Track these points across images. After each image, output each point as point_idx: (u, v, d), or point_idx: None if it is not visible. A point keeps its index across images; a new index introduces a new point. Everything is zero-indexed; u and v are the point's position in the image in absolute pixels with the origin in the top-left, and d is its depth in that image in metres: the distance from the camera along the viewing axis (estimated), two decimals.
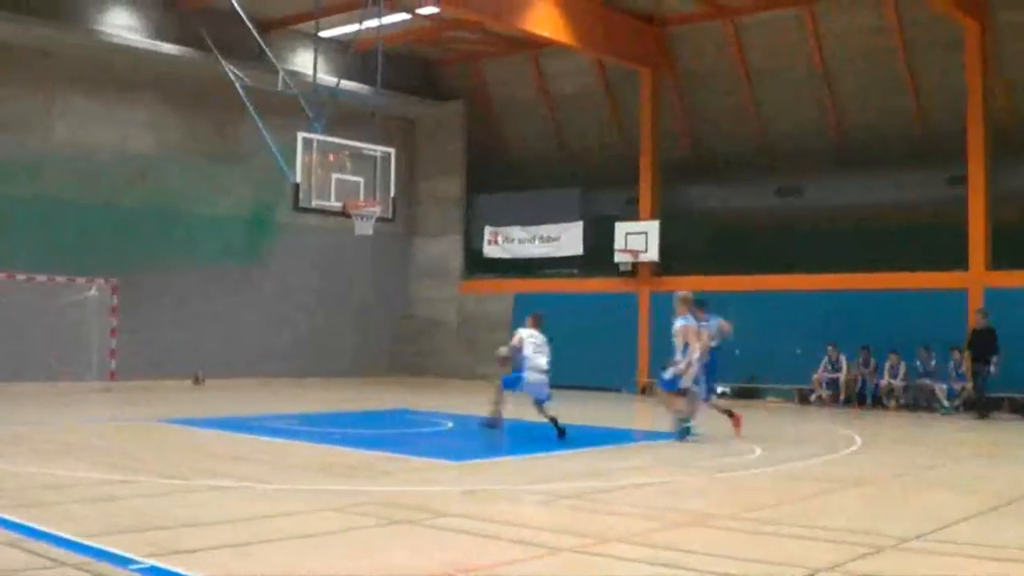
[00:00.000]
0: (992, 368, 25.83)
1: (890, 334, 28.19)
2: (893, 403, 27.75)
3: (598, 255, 33.97)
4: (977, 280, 27.80)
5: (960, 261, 28.17)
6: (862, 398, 28.40)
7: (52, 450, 16.02)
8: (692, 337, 18.14)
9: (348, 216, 24.56)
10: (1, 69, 29.32)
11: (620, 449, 18.01)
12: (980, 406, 25.78)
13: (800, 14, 31.08)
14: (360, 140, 25.39)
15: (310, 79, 26.09)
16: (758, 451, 17.37)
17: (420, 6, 30.74)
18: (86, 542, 9.16)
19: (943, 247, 28.78)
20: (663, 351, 32.06)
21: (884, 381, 28.01)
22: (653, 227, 32.83)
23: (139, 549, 8.93)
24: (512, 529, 10.42)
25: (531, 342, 18.52)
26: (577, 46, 31.50)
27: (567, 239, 35.36)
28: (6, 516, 10.22)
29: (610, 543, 9.85)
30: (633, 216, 33.80)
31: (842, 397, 28.49)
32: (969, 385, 26.52)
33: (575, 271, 35.60)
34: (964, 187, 28.31)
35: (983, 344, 25.98)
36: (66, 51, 30.09)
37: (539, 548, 9.47)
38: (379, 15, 26.35)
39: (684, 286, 31.66)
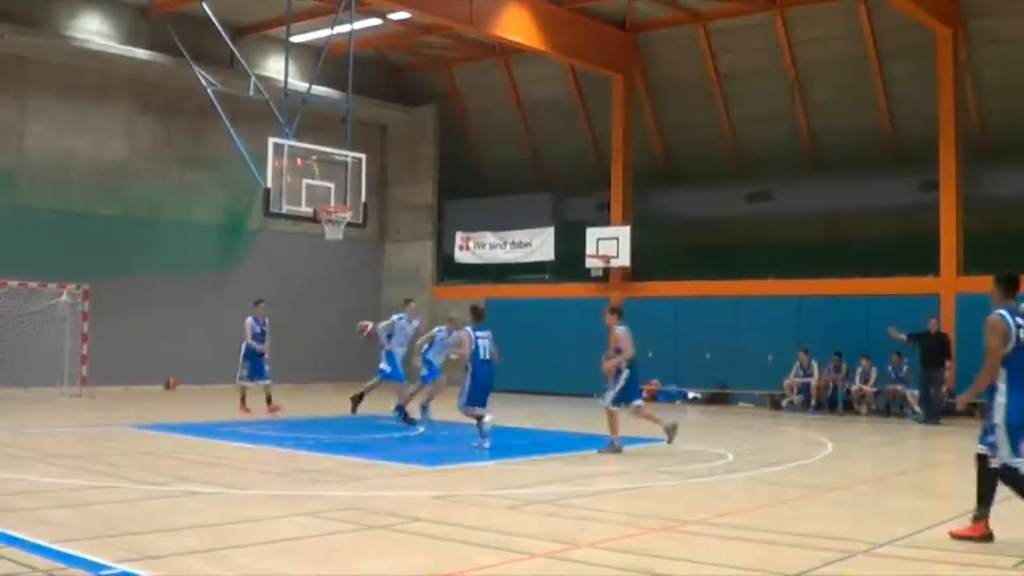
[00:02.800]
0: (946, 373, 26.08)
1: (861, 340, 28.27)
2: (865, 409, 27.80)
3: (570, 261, 33.99)
4: (949, 285, 27.89)
5: (932, 266, 28.27)
6: (833, 403, 28.46)
7: (25, 456, 15.95)
8: None
9: (319, 222, 24.53)
10: None
11: (593, 455, 18.02)
12: (932, 411, 25.81)
13: (772, 20, 31.15)
14: (331, 145, 25.34)
15: (281, 85, 26.03)
16: (730, 457, 17.42)
17: (392, 11, 30.75)
18: (59, 547, 9.15)
19: (915, 252, 28.89)
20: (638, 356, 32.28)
21: (856, 387, 28.08)
22: (624, 232, 32.85)
23: (111, 554, 8.92)
24: (485, 534, 10.43)
25: None
26: (549, 52, 31.52)
27: (539, 245, 35.38)
28: None
29: (583, 548, 9.87)
30: (605, 222, 33.82)
31: (813, 403, 28.52)
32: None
33: (547, 277, 35.61)
34: (936, 192, 28.38)
35: (937, 350, 26.09)
36: (39, 57, 29.90)
37: (512, 553, 9.47)
38: (351, 20, 26.33)
39: (655, 291, 31.93)
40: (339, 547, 9.87)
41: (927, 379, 25.99)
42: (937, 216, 28.31)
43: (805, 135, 32.57)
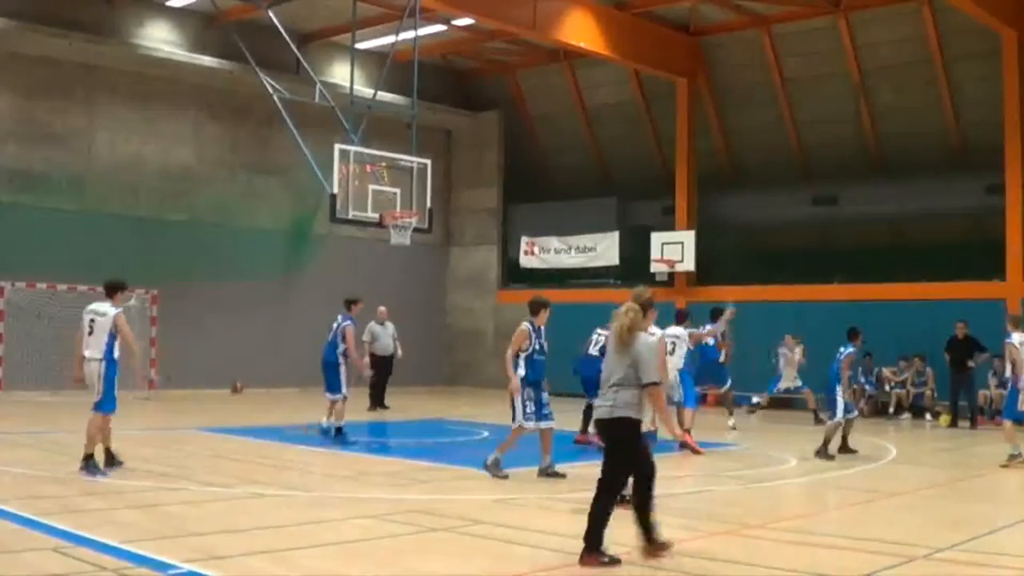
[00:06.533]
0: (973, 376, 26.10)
1: (926, 345, 28.08)
2: (929, 414, 27.63)
3: (634, 265, 33.91)
4: (1015, 290, 27.64)
5: (998, 271, 28.08)
6: (899, 409, 28.31)
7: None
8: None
9: (385, 227, 24.71)
10: (45, 83, 29.55)
11: (657, 459, 18.07)
12: (971, 415, 25.76)
13: (836, 23, 31.03)
14: (396, 151, 25.55)
15: (347, 91, 26.27)
16: (793, 462, 17.42)
17: (456, 18, 30.93)
18: (127, 547, 9.33)
19: (981, 257, 28.70)
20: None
21: (927, 391, 27.95)
22: (689, 237, 32.84)
23: (178, 554, 9.10)
24: (546, 537, 10.53)
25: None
26: (613, 57, 31.56)
27: (603, 249, 35.41)
28: (50, 522, 10.41)
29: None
30: (669, 226, 33.79)
31: (891, 409, 28.35)
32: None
33: (611, 281, 35.55)
34: (1002, 196, 28.19)
35: (963, 354, 25.99)
36: (108, 65, 30.29)
37: (573, 556, 9.55)
38: (415, 27, 26.53)
39: (720, 296, 31.74)
40: (403, 549, 10.00)
41: (955, 384, 25.99)
42: (1003, 220, 28.11)
43: (870, 139, 32.39)
